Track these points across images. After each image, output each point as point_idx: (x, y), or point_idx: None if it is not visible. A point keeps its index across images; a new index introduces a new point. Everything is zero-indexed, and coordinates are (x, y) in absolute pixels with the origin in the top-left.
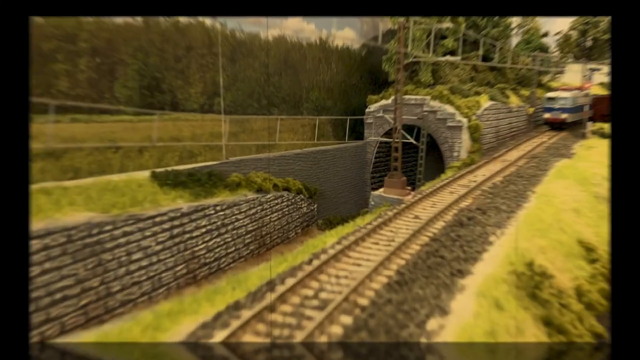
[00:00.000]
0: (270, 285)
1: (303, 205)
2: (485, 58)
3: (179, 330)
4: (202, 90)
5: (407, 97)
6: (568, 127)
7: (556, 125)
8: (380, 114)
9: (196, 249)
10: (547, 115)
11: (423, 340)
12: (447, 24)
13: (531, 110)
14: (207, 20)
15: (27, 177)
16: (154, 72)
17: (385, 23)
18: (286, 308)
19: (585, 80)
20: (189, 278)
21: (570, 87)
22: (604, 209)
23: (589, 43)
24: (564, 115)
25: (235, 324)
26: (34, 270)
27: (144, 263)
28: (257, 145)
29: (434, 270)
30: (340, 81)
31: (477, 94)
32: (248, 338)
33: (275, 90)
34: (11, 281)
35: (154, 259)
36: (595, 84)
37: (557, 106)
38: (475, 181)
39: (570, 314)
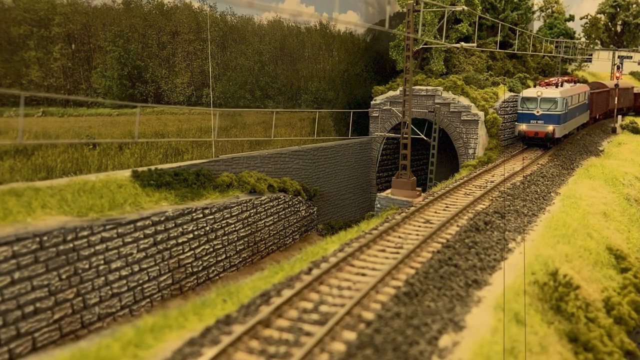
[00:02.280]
0: (265, 297)
1: (301, 208)
2: (504, 44)
3: (163, 348)
4: (189, 80)
5: (416, 87)
6: (557, 143)
7: (538, 142)
8: (387, 107)
9: (182, 256)
10: (522, 127)
11: (435, 358)
12: (461, 6)
13: None
14: (195, 3)
15: None
16: (135, 60)
17: (393, 5)
18: (283, 323)
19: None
20: (175, 289)
21: (558, 80)
22: (636, 212)
23: (618, 28)
24: (550, 127)
25: (226, 340)
26: (2, 281)
27: (124, 272)
28: (251, 142)
29: (447, 280)
30: (343, 70)
31: (495, 84)
32: (240, 356)
33: (270, 80)
34: None
35: (136, 268)
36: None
37: (538, 111)
38: (492, 181)
39: (599, 329)
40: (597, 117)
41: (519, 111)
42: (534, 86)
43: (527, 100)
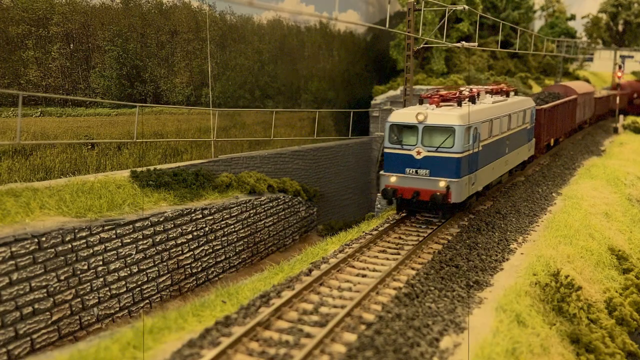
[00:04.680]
0: (265, 298)
1: (301, 209)
2: (505, 44)
3: (162, 349)
4: (188, 80)
5: (417, 87)
6: (460, 209)
7: (419, 206)
8: (388, 107)
9: (181, 257)
10: (391, 180)
11: None
12: (462, 5)
13: None
14: (194, 2)
15: None
16: (134, 60)
17: (394, 4)
18: (282, 324)
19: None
20: (174, 290)
21: (463, 90)
22: (638, 212)
23: (620, 27)
24: (442, 182)
25: (225, 342)
26: (1, 282)
27: (123, 274)
28: (250, 142)
29: (448, 281)
30: (343, 70)
31: (496, 83)
32: (240, 358)
33: (270, 80)
34: None
35: (135, 269)
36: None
37: (419, 152)
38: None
39: (601, 330)
40: (554, 141)
41: (385, 150)
42: (428, 98)
43: (398, 129)
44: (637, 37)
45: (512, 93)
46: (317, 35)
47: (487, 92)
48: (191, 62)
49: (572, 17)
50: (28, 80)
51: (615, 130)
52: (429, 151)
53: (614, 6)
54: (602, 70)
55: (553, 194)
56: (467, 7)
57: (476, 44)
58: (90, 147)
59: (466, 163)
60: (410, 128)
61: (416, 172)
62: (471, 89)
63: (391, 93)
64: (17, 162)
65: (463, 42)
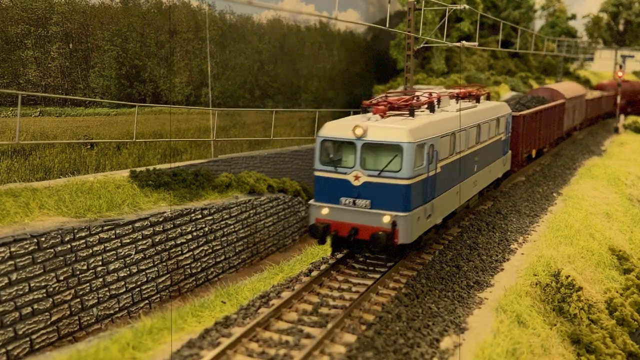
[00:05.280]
0: (265, 298)
1: (301, 209)
2: (506, 43)
3: (162, 350)
4: (187, 79)
5: (417, 87)
6: (414, 249)
7: (358, 246)
8: None
9: (181, 258)
10: (324, 212)
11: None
12: (462, 4)
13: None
14: (194, 1)
15: None
16: (133, 60)
17: (394, 4)
18: (282, 325)
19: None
20: (173, 290)
21: (417, 94)
22: (639, 212)
23: (621, 27)
24: (386, 217)
25: (225, 342)
26: (0, 282)
27: (122, 274)
28: (250, 142)
29: (448, 281)
30: (343, 69)
31: (497, 83)
32: (239, 358)
33: (269, 79)
34: None
35: (134, 269)
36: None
37: (358, 177)
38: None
39: (601, 330)
40: (536, 152)
41: (316, 173)
42: (372, 106)
43: (332, 147)
44: (638, 36)
45: (483, 97)
46: (317, 35)
47: (451, 97)
48: (191, 62)
49: (573, 17)
50: (27, 79)
51: (616, 130)
52: (369, 176)
53: (615, 5)
54: (602, 70)
55: (554, 194)
56: (467, 6)
57: (476, 43)
58: (89, 147)
59: (419, 191)
60: (347, 145)
61: (354, 202)
62: (430, 94)
63: None
64: (16, 162)
65: (463, 42)
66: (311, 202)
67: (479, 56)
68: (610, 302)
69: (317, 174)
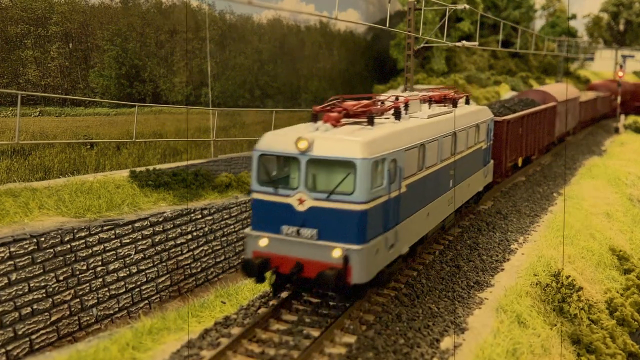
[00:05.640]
0: (264, 299)
1: None
2: (506, 43)
3: (161, 350)
4: (187, 79)
5: (417, 86)
6: (375, 285)
7: (303, 285)
8: None
9: (181, 258)
10: (262, 243)
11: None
12: (462, 4)
13: None
14: (194, 1)
15: None
16: (133, 60)
17: (394, 4)
18: (281, 325)
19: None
20: (173, 291)
21: (378, 100)
22: (639, 212)
23: (621, 26)
24: (337, 251)
25: (224, 342)
26: None
27: (122, 274)
28: (250, 141)
29: (448, 281)
30: (343, 69)
31: (497, 83)
32: (239, 359)
33: (269, 79)
34: None
35: (134, 269)
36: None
37: (303, 200)
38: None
39: (602, 330)
40: (522, 160)
41: (253, 195)
42: (324, 112)
43: (273, 163)
44: (638, 36)
45: (461, 101)
46: (317, 35)
47: (423, 101)
48: (191, 62)
49: (573, 17)
50: (27, 79)
51: (617, 130)
52: (316, 199)
53: (615, 5)
54: (603, 69)
55: (554, 194)
56: (467, 6)
57: (477, 43)
58: (89, 146)
59: (378, 216)
60: (289, 161)
61: (298, 232)
62: (397, 97)
63: (391, 92)
64: (16, 162)
65: (464, 42)
66: (247, 230)
67: (479, 56)
68: (611, 302)
69: (254, 196)
